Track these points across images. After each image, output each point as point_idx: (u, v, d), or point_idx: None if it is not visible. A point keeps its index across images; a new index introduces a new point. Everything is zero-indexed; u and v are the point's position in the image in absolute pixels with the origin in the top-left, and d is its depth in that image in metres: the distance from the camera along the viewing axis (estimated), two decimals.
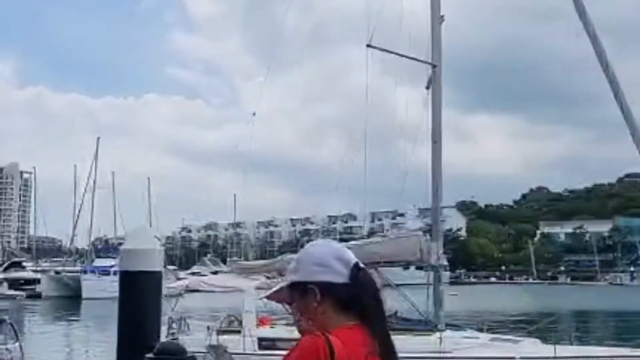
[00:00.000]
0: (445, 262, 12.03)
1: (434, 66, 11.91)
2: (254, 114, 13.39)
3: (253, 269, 12.89)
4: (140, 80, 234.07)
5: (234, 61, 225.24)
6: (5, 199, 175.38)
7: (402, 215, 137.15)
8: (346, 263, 1.75)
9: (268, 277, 12.83)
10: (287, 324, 13.19)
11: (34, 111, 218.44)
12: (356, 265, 1.75)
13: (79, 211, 62.66)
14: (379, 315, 1.74)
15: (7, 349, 11.96)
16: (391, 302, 12.31)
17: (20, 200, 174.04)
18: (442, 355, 10.05)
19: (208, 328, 12.12)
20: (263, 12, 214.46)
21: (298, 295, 1.77)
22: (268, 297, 2.03)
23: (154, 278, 6.28)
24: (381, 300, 1.77)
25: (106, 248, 64.67)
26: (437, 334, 10.89)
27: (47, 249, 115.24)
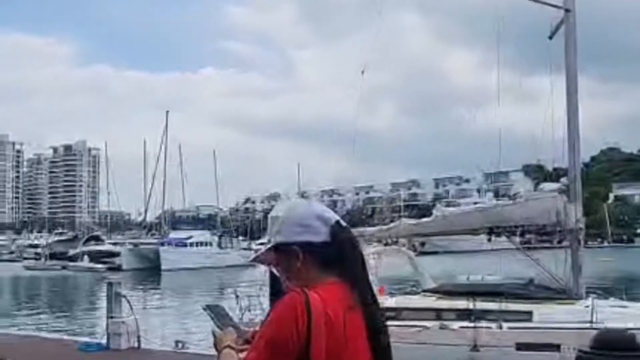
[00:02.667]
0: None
1: (567, 10, 10.83)
2: (363, 72, 12.51)
3: (366, 235, 12.26)
4: (195, 55, 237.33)
5: (287, 31, 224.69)
6: (75, 175, 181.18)
7: (467, 181, 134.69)
8: (326, 222, 1.79)
9: (387, 243, 12.18)
10: (405, 293, 12.55)
11: (95, 90, 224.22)
12: (337, 223, 1.80)
13: (152, 185, 63.70)
14: (360, 271, 1.80)
15: (123, 322, 11.83)
16: (524, 268, 11.50)
17: (89, 176, 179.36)
18: (594, 325, 9.17)
19: None
20: None
21: (283, 256, 1.82)
22: (255, 260, 1.75)
23: None
24: (362, 256, 1.83)
25: (181, 220, 65.71)
26: (582, 303, 10.02)
27: (117, 223, 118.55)
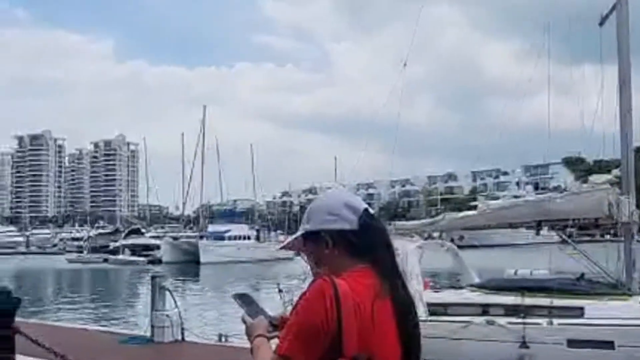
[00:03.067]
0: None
1: None
2: (405, 64, 12.28)
3: (413, 229, 12.06)
4: (231, 49, 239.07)
5: (323, 24, 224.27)
6: (115, 170, 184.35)
7: (505, 174, 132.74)
8: (355, 210, 1.82)
9: (427, 237, 11.94)
10: (450, 288, 12.31)
11: (133, 85, 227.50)
12: (365, 211, 1.83)
13: (190, 179, 64.29)
14: (388, 258, 1.82)
15: (167, 315, 11.87)
16: (572, 263, 11.17)
17: (128, 170, 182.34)
18: None
19: None
20: None
21: (312, 243, 1.85)
22: (284, 247, 1.82)
23: None
24: (390, 245, 1.84)
25: (219, 214, 66.17)
26: (637, 298, 9.67)
27: (157, 216, 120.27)
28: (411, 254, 11.02)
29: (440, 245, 11.92)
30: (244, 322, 1.92)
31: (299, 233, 1.90)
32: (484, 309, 9.98)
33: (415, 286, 10.59)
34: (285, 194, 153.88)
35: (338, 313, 1.65)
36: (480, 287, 10.79)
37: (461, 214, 11.79)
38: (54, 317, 19.37)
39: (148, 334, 11.89)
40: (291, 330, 1.70)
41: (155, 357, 11.02)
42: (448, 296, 10.86)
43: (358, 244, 1.79)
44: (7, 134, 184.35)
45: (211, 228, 57.38)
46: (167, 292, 12.32)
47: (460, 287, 11.41)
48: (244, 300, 1.98)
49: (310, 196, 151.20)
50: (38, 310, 21.08)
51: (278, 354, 1.72)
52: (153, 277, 12.47)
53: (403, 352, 1.77)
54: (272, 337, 1.83)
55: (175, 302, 12.38)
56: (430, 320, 9.98)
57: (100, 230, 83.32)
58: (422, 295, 10.42)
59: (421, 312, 10.39)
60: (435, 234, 12.41)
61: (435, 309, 10.24)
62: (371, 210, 1.86)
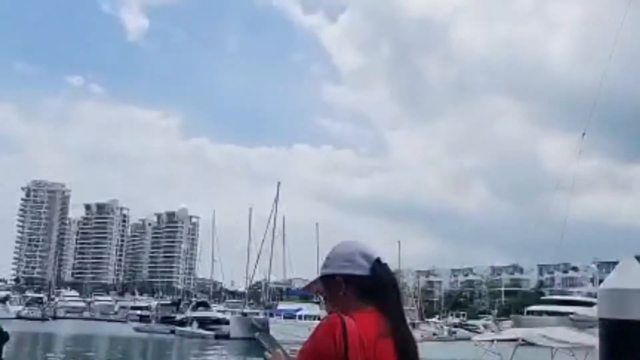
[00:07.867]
0: None
1: None
2: (584, 133, 11.51)
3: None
4: (291, 131, 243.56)
5: (380, 111, 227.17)
6: (174, 242, 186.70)
7: (574, 269, 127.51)
8: (368, 258, 2.05)
9: None
10: None
11: (197, 161, 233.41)
12: (377, 260, 2.06)
13: (258, 256, 63.62)
14: (395, 302, 2.03)
15: None
16: None
17: (187, 243, 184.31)
18: None
19: None
20: (407, 64, 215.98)
21: (328, 286, 2.08)
22: (304, 289, 1.63)
23: None
24: (398, 291, 2.06)
25: (289, 292, 65.25)
26: None
27: (211, 290, 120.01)
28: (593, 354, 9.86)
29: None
30: (265, 358, 2.15)
31: (317, 276, 2.11)
32: None
33: None
34: None
35: (345, 345, 1.84)
36: None
37: None
38: None
39: None
40: (302, 355, 1.89)
41: None
42: None
43: (368, 288, 2.01)
44: (79, 202, 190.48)
45: (281, 306, 56.33)
46: None
47: None
48: (266, 340, 2.21)
49: None
50: None
51: None
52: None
53: None
54: None
55: None
56: None
57: (161, 301, 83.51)
58: None
59: None
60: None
61: None
62: (383, 260, 2.06)
